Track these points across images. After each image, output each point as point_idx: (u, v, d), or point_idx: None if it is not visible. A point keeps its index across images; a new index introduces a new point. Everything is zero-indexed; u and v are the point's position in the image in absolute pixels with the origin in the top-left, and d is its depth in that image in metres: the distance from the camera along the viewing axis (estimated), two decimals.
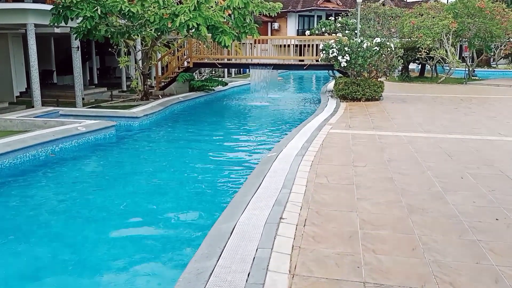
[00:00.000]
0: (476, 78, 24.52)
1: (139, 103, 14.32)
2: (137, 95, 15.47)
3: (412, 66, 27.68)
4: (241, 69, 29.97)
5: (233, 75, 30.79)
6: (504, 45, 28.06)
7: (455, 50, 22.97)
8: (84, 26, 11.82)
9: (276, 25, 46.95)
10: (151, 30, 12.95)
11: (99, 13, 11.64)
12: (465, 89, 19.66)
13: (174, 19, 11.56)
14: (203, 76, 21.16)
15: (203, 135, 11.11)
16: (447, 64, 22.28)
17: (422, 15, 23.76)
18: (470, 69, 23.21)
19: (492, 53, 27.37)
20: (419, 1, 39.64)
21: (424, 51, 21.52)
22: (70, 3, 11.50)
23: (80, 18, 11.91)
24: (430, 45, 21.13)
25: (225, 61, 19.24)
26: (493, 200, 4.91)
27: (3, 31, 14.97)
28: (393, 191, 5.23)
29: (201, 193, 6.71)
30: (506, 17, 21.97)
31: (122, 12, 11.52)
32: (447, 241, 3.89)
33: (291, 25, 46.44)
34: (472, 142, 8.13)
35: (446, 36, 21.37)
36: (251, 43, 22.04)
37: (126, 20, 12.48)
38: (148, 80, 15.49)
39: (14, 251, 4.75)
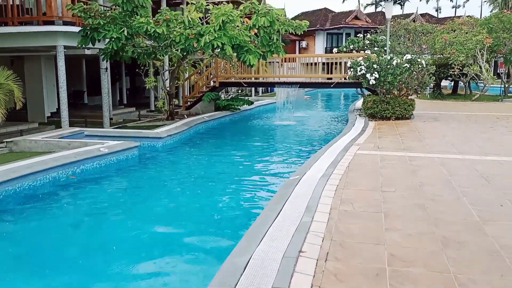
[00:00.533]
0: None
1: (165, 123, 14.29)
2: (163, 115, 15.49)
3: (444, 83, 26.87)
4: (269, 88, 29.86)
5: (260, 93, 30.74)
6: None
7: (489, 66, 22.11)
8: (110, 47, 11.94)
9: (304, 44, 46.93)
10: (177, 50, 13.00)
11: (126, 34, 11.75)
12: (501, 106, 18.79)
13: (199, 39, 11.53)
14: (229, 95, 21.11)
15: (226, 155, 10.89)
16: (481, 81, 21.45)
17: (454, 31, 23.10)
18: (506, 85, 22.25)
19: None
20: (451, 17, 38.80)
21: (457, 68, 20.84)
22: (97, 24, 11.66)
23: (107, 40, 12.04)
24: (463, 61, 20.43)
25: (252, 79, 19.14)
26: None
27: (37, 53, 15.37)
28: (426, 220, 4.80)
29: (220, 219, 6.40)
30: None
31: (148, 33, 11.57)
32: (487, 281, 3.45)
33: (319, 43, 46.28)
34: (510, 164, 7.56)
35: (480, 52, 20.62)
36: (278, 62, 21.94)
37: (152, 41, 12.54)
38: (174, 100, 15.49)
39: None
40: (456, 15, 55.77)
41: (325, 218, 4.85)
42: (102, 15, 11.97)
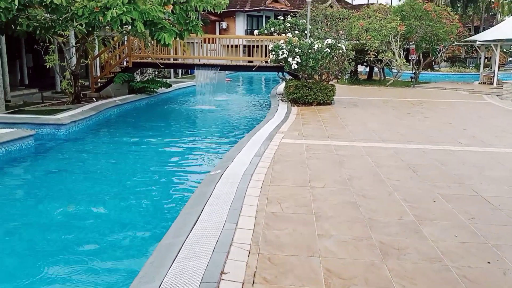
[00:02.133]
0: (421, 81, 24.76)
1: (70, 107, 12.74)
2: (68, 97, 13.83)
3: (360, 68, 27.62)
4: (189, 70, 28.60)
5: (180, 75, 29.37)
6: (446, 48, 28.67)
7: (402, 53, 22.96)
8: None
9: (224, 25, 45.91)
10: (81, 25, 11.50)
11: (17, 4, 10.03)
12: (413, 92, 19.58)
13: (106, 12, 10.19)
14: (145, 76, 19.67)
15: (139, 145, 9.81)
16: (395, 67, 22.22)
17: (370, 17, 23.63)
18: (417, 72, 23.32)
19: (436, 56, 27.84)
20: (364, 4, 40.06)
21: (372, 54, 21.33)
22: None
23: None
24: (378, 48, 20.94)
25: (171, 60, 17.93)
26: (476, 233, 4.14)
27: None
28: (360, 222, 4.34)
29: (126, 230, 5.28)
30: (451, 20, 22.23)
31: (44, 3, 9.98)
32: None
33: (240, 25, 45.56)
34: (434, 153, 7.49)
35: (394, 38, 21.26)
36: (198, 43, 20.86)
37: (50, 13, 10.91)
38: (81, 81, 13.89)
39: None
40: (369, 2, 58.03)
41: (250, 223, 4.20)
42: None
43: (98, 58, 18.28)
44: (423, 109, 13.63)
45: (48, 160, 8.46)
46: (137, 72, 18.47)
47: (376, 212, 4.61)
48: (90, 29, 11.82)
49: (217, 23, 45.70)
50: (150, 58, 16.77)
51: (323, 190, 5.31)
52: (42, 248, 4.76)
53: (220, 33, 43.95)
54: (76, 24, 11.12)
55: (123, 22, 10.30)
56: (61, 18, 10.98)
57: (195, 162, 8.45)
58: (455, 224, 4.35)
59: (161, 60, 16.80)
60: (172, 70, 27.02)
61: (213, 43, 20.35)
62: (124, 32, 13.67)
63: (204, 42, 18.39)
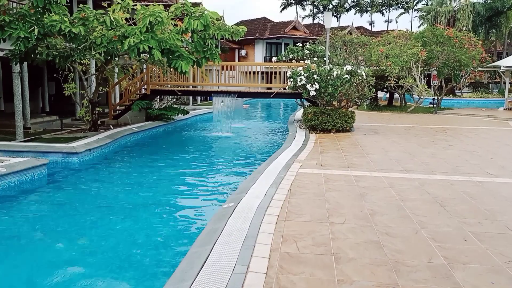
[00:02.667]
0: (443, 107, 24.21)
1: (86, 135, 12.72)
2: (86, 125, 13.85)
3: (379, 94, 27.26)
4: (208, 96, 28.73)
5: (198, 102, 29.51)
6: (468, 74, 28.12)
7: (424, 79, 22.57)
8: (18, 48, 10.28)
9: (243, 52, 46.42)
10: (99, 53, 11.57)
11: (36, 34, 10.15)
12: (436, 119, 19.05)
13: (123, 41, 10.21)
14: (163, 104, 19.71)
15: (153, 174, 9.57)
16: (416, 93, 21.76)
17: (390, 44, 23.40)
18: (439, 98, 22.80)
19: (458, 82, 27.29)
20: (384, 31, 39.98)
21: (393, 80, 20.99)
22: (1, 21, 9.98)
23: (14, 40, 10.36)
24: (399, 74, 20.61)
25: (190, 87, 17.97)
26: None
27: None
28: (384, 265, 3.94)
29: (133, 269, 5.06)
30: (473, 45, 21.80)
31: (62, 32, 10.06)
32: None
33: (259, 52, 45.99)
34: (461, 185, 7.03)
35: (415, 64, 20.92)
36: (217, 70, 20.93)
37: (69, 42, 11.02)
38: (98, 108, 13.92)
39: None
40: (389, 29, 58.05)
41: (263, 266, 3.85)
42: (9, 11, 10.29)
43: (117, 85, 18.48)
44: (447, 137, 13.13)
45: (59, 190, 8.29)
46: (155, 99, 18.54)
47: (402, 254, 4.20)
48: (109, 57, 11.86)
49: (236, 50, 46.24)
50: (169, 86, 16.81)
51: (343, 226, 4.93)
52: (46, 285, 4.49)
53: (239, 60, 44.42)
54: (94, 52, 11.17)
55: (141, 51, 10.29)
56: (80, 47, 11.09)
57: (208, 193, 8.13)
58: (491, 268, 3.91)
59: (179, 88, 16.82)
60: (190, 97, 27.19)
61: (232, 70, 20.38)
62: (142, 60, 13.72)
63: (223, 69, 18.42)
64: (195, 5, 12.44)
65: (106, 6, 11.79)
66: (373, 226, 4.97)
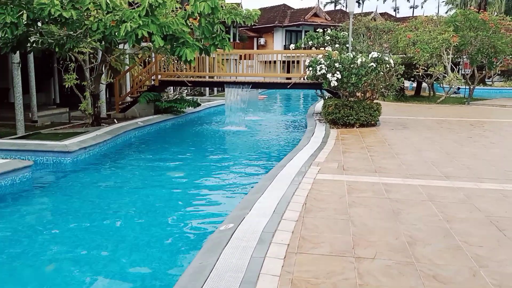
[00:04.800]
0: (475, 98, 22.42)
1: (87, 130, 11.74)
2: (88, 119, 12.87)
3: (406, 83, 25.59)
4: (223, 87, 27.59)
5: (215, 93, 28.40)
6: (501, 62, 26.14)
7: (454, 67, 20.81)
8: (4, 35, 9.28)
9: (262, 41, 45.01)
10: (96, 41, 10.53)
11: (25, 19, 9.12)
12: (469, 110, 17.44)
13: (120, 26, 9.09)
14: (175, 95, 18.63)
15: (151, 178, 8.42)
16: (446, 82, 20.06)
17: (417, 29, 21.69)
18: (472, 87, 21.05)
19: (493, 70, 25.34)
20: (409, 17, 37.88)
21: (421, 68, 19.38)
22: None
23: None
24: (428, 61, 18.99)
25: (207, 78, 16.83)
26: None
27: None
28: None
29: None
30: (510, 30, 19.93)
31: (52, 17, 8.99)
32: None
33: (278, 40, 44.52)
34: None
35: (446, 51, 19.23)
36: (235, 59, 19.76)
37: (61, 28, 9.97)
38: (100, 101, 12.90)
39: None
40: (414, 15, 55.56)
41: None
42: None
43: (128, 76, 17.48)
44: (485, 132, 11.64)
45: (43, 197, 7.28)
46: (167, 90, 17.45)
47: None
48: (108, 45, 10.78)
49: (255, 39, 44.86)
50: (178, 76, 15.71)
51: (373, 264, 3.70)
52: None
53: (258, 49, 43.01)
54: (90, 39, 10.10)
55: (139, 37, 9.14)
56: (76, 33, 10.04)
57: (208, 206, 6.86)
58: None
59: (190, 78, 15.69)
60: (207, 88, 26.08)
61: (250, 59, 19.15)
62: (146, 48, 12.61)
63: (241, 59, 17.21)
64: None
65: None
66: (415, 263, 3.72)
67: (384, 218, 4.85)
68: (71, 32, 10.19)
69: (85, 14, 9.60)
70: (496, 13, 32.50)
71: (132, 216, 6.30)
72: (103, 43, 11.32)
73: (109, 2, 9.32)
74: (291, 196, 5.59)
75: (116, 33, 9.36)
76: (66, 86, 12.59)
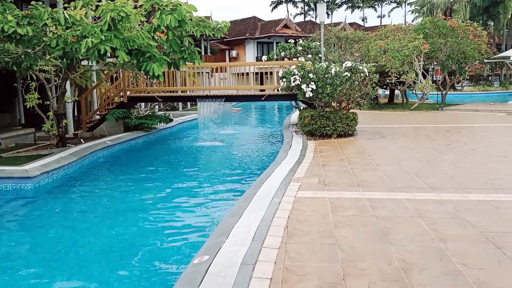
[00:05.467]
0: (447, 103, 22.65)
1: (52, 151, 11.03)
2: (52, 140, 12.14)
3: (379, 91, 25.69)
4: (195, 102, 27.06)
5: (189, 106, 27.85)
6: (469, 67, 26.58)
7: (426, 73, 20.98)
8: None
9: (234, 53, 44.86)
10: (56, 58, 9.92)
11: None
12: (443, 116, 17.48)
13: (81, 42, 8.53)
14: (146, 111, 18.01)
15: (116, 205, 7.81)
16: (419, 89, 20.15)
17: (387, 38, 21.81)
18: (444, 93, 21.22)
19: (462, 75, 25.73)
20: (377, 26, 38.39)
21: (394, 76, 19.41)
22: None
23: None
24: (399, 69, 19.03)
25: (179, 93, 16.29)
26: None
27: None
28: None
29: None
30: (479, 36, 20.25)
31: (6, 34, 8.36)
32: None
33: (250, 52, 44.44)
34: (509, 207, 5.42)
35: (417, 58, 19.33)
36: (207, 72, 19.33)
37: (16, 45, 9.31)
38: (64, 121, 12.21)
39: None
40: (382, 24, 56.56)
41: None
42: None
43: (93, 93, 16.79)
44: (463, 138, 11.54)
45: (1, 229, 6.60)
46: (136, 106, 16.82)
47: None
48: (69, 62, 10.17)
49: (226, 51, 44.67)
50: (148, 91, 15.14)
51: None
52: None
53: (230, 61, 42.74)
54: (49, 57, 9.49)
55: (102, 52, 8.60)
56: (35, 51, 9.41)
57: (182, 235, 6.26)
58: None
59: (161, 94, 15.15)
60: (180, 103, 25.55)
61: (223, 72, 18.74)
62: (111, 64, 12.03)
63: (213, 72, 16.79)
64: None
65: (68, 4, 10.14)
66: None
67: (373, 240, 4.46)
68: (29, 50, 9.57)
69: (43, 30, 9.00)
70: (461, 20, 33.27)
71: (98, 251, 5.72)
72: (64, 60, 10.72)
73: (67, 17, 8.78)
74: (271, 218, 5.15)
75: (77, 49, 8.81)
76: (28, 106, 11.86)
